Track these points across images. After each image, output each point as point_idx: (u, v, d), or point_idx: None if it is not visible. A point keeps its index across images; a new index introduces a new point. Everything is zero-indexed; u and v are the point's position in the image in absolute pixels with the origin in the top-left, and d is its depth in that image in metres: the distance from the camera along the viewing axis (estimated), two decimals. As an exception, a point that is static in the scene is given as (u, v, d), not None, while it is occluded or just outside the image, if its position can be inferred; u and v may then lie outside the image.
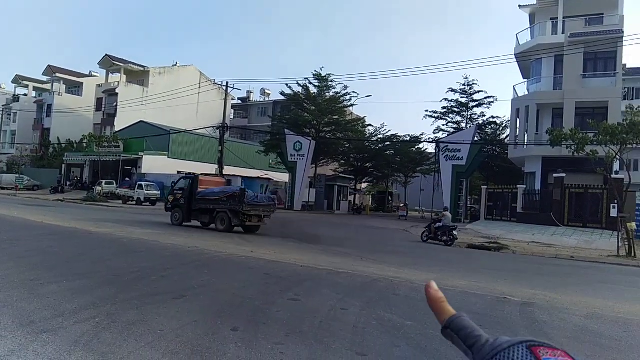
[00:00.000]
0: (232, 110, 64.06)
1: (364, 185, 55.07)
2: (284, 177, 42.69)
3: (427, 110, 41.25)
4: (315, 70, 40.80)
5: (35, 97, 61.86)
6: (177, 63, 55.82)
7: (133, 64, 51.11)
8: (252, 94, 69.10)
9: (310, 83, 41.34)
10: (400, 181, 52.80)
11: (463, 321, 0.64)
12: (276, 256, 10.60)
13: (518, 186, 28.41)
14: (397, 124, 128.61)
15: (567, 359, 0.52)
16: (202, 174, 20.47)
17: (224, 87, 37.15)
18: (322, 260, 10.43)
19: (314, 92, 41.77)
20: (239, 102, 67.65)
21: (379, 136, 45.68)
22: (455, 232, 17.20)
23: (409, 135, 44.23)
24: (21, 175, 44.95)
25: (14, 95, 64.10)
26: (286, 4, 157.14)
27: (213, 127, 41.70)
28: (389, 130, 48.13)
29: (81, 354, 3.86)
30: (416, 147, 45.74)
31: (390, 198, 53.05)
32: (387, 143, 44.95)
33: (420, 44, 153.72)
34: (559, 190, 24.75)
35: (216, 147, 35.89)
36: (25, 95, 63.65)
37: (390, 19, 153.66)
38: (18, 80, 63.77)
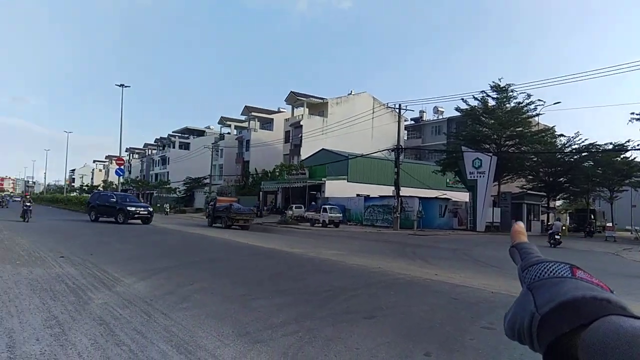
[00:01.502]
0: (406, 132, 64.46)
1: (558, 203, 49.33)
2: (463, 196, 40.95)
3: (632, 113, 35.24)
4: (493, 82, 38.54)
5: (236, 134, 71.93)
6: (351, 92, 58.84)
7: (314, 97, 55.61)
8: (424, 113, 68.68)
9: (488, 96, 39.22)
10: (604, 197, 45.89)
11: (528, 245, 0.67)
12: (462, 280, 10.15)
13: None
14: (594, 131, 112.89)
15: (603, 287, 0.52)
16: (218, 197, 37.66)
17: (397, 110, 37.72)
18: (515, 287, 9.59)
19: (493, 105, 39.45)
20: (412, 122, 67.80)
21: (573, 146, 40.61)
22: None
23: (611, 143, 38.31)
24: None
25: (220, 134, 75.69)
26: (453, 20, 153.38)
27: (388, 149, 42.52)
28: (585, 139, 42.27)
29: (289, 365, 4.25)
30: (622, 156, 39.34)
31: (592, 216, 45.96)
32: (584, 153, 39.68)
33: (620, 38, 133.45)
34: None
35: (392, 169, 36.41)
36: (229, 133, 74.54)
37: (585, 18, 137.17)
38: (223, 121, 75.17)
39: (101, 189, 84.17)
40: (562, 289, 0.52)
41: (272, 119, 65.13)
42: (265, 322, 5.75)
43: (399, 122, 38.11)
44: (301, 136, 52.01)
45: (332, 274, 10.34)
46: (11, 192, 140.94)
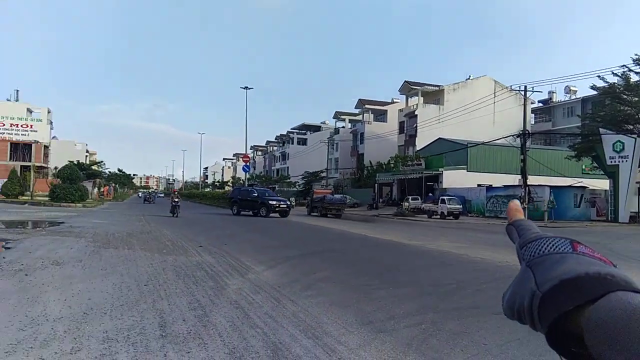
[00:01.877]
0: (533, 115, 59.57)
1: None
2: (602, 184, 36.68)
3: None
4: (636, 54, 33.74)
5: (350, 128, 72.82)
6: (470, 77, 55.95)
7: (428, 85, 54.00)
8: (554, 94, 62.70)
9: (630, 70, 34.45)
10: None
11: (526, 221, 0.64)
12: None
13: None
14: None
15: (606, 261, 0.50)
16: (315, 189, 44.01)
17: (522, 93, 35.01)
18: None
19: (636, 81, 34.60)
20: (540, 105, 62.30)
21: None
22: None
23: None
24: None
25: (335, 128, 77.27)
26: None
27: (512, 135, 39.65)
28: None
29: (414, 355, 4.22)
30: None
31: None
32: None
33: None
34: None
35: (517, 157, 33.94)
36: (343, 127, 75.73)
37: None
38: (337, 115, 76.55)
39: (231, 184, 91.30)
40: (564, 265, 0.48)
41: (386, 111, 64.67)
42: (388, 312, 5.77)
43: (524, 105, 35.33)
44: (416, 126, 50.90)
45: (455, 267, 10.01)
46: (155, 189, 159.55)
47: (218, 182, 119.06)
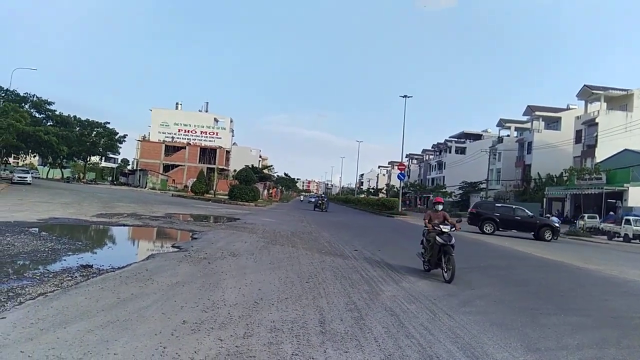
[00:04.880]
0: None
1: None
2: None
3: None
4: None
5: (516, 136, 67.50)
6: (670, 77, 47.40)
7: (613, 89, 47.27)
8: None
9: None
10: None
11: None
12: None
13: None
14: None
15: None
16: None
17: None
18: None
19: None
20: None
21: None
22: None
23: None
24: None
25: (498, 137, 72.43)
26: None
27: None
28: None
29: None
30: None
31: None
32: None
33: None
34: None
35: None
36: (508, 136, 70.59)
37: None
38: (501, 123, 71.67)
39: (385, 192, 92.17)
40: None
41: (560, 118, 58.36)
42: (558, 341, 5.21)
43: None
44: (596, 135, 44.87)
45: (643, 300, 8.56)
46: (315, 193, 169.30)
47: (372, 188, 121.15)
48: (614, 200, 38.50)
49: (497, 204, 28.01)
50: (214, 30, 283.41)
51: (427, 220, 9.43)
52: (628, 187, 37.13)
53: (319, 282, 7.63)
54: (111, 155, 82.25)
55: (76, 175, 78.88)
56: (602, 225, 33.87)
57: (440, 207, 9.61)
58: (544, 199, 49.06)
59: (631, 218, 30.06)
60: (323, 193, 62.31)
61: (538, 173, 54.25)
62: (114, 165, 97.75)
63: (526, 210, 26.32)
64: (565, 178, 46.14)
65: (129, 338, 4.15)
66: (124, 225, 15.00)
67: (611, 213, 36.46)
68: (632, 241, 28.51)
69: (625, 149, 39.88)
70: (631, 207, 35.53)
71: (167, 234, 14.15)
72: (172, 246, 11.01)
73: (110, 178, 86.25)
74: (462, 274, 9.94)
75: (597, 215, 36.78)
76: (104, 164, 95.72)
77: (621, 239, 29.53)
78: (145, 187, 63.22)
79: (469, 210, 26.20)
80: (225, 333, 4.51)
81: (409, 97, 48.70)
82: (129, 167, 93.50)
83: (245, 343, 4.26)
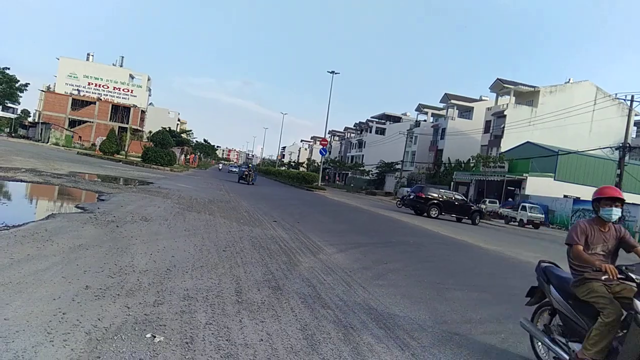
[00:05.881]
0: (635, 128, 54.31)
1: None
2: None
3: None
4: None
5: (432, 122, 70.77)
6: (569, 80, 52.06)
7: (523, 85, 50.94)
8: (667, 107, 56.56)
9: None
10: None
11: None
12: None
13: None
14: None
15: None
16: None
17: (627, 102, 31.94)
18: None
19: None
20: (648, 117, 56.57)
21: None
22: None
23: None
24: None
25: (416, 121, 75.51)
26: None
27: (611, 147, 36.51)
28: None
29: (492, 365, 3.99)
30: None
31: None
32: None
33: None
34: None
35: (613, 171, 31.23)
36: (425, 120, 73.78)
37: None
38: (420, 108, 74.70)
39: (305, 166, 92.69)
40: None
41: (472, 108, 62.00)
42: (463, 315, 5.53)
43: (629, 115, 32.27)
44: (504, 127, 48.33)
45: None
46: (235, 162, 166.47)
47: (294, 162, 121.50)
48: (514, 188, 41.96)
49: (440, 189, 28.68)
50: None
51: (580, 247, 3.85)
52: (527, 177, 40.58)
53: (236, 251, 7.44)
54: (10, 105, 74.27)
55: (-35, 124, 70.40)
56: (501, 210, 36.87)
57: (618, 213, 3.95)
58: (452, 183, 52.24)
59: (527, 205, 33.04)
60: (249, 163, 60.62)
61: (449, 158, 57.42)
62: (13, 116, 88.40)
63: (462, 196, 28.46)
64: (472, 164, 49.30)
65: (23, 302, 3.71)
66: (20, 180, 13.57)
67: (510, 199, 39.77)
68: (526, 226, 31.40)
69: (528, 142, 43.40)
70: (528, 195, 38.98)
71: (70, 194, 13.01)
72: (76, 207, 10.15)
73: (8, 130, 77.99)
74: (374, 249, 10.27)
75: (497, 201, 39.90)
76: (1, 113, 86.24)
77: (517, 223, 32.38)
78: (48, 142, 57.98)
79: (417, 194, 26.65)
80: (133, 300, 4.20)
81: (336, 73, 48.89)
82: (30, 119, 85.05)
83: (155, 311, 4.00)
